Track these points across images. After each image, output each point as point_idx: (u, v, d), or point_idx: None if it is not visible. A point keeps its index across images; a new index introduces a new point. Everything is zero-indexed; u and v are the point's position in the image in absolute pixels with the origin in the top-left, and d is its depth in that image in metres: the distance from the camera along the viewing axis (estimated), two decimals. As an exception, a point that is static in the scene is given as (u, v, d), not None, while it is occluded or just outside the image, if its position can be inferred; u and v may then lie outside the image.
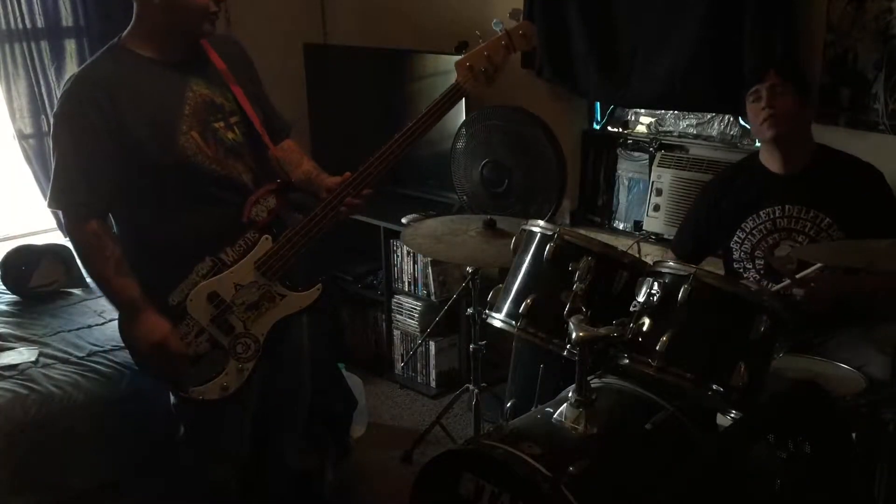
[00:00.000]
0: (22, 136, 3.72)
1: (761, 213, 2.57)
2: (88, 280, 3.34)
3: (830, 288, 2.39)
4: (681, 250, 2.79)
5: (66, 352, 2.78)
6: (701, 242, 2.75)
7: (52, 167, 2.14)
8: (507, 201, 3.36)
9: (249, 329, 2.19)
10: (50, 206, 2.15)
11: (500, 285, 2.17)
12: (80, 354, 2.77)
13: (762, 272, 2.59)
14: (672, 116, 3.57)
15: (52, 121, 2.15)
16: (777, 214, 2.56)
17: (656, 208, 3.40)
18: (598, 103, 3.73)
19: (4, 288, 3.29)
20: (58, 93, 3.74)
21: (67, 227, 2.19)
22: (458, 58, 2.03)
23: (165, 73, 2.14)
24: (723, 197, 2.67)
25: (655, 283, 1.95)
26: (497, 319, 2.12)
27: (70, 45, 3.76)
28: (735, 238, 2.62)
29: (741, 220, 2.60)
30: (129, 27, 2.15)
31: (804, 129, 2.56)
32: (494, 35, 2.09)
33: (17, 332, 2.92)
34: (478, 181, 3.38)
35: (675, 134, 3.57)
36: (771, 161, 2.58)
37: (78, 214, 2.12)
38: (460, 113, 3.60)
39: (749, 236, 2.60)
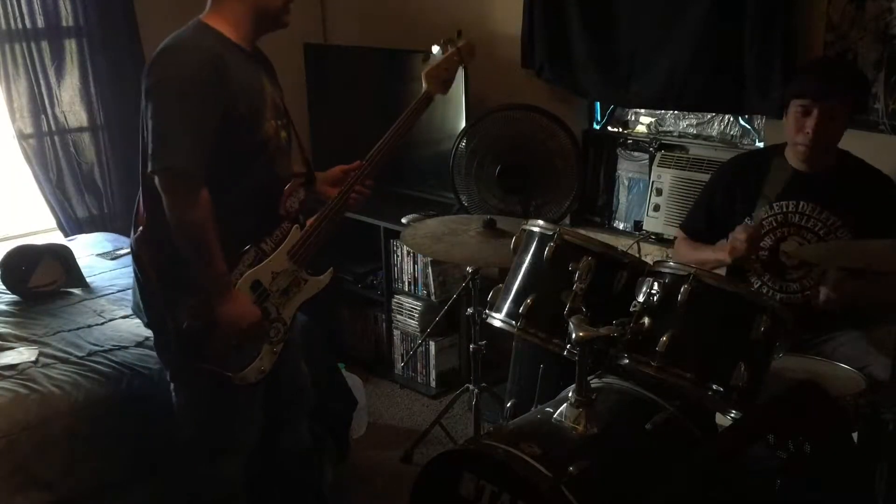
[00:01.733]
0: (22, 136, 3.72)
1: (775, 205, 2.56)
2: (88, 280, 3.34)
3: (851, 294, 2.41)
4: (692, 229, 2.77)
5: (66, 352, 2.78)
6: (713, 222, 2.72)
7: (158, 126, 2.03)
8: (522, 199, 3.37)
9: (281, 313, 2.28)
10: (169, 164, 2.03)
11: (500, 285, 2.17)
12: (80, 354, 2.76)
13: (765, 265, 2.59)
14: (672, 116, 3.57)
15: (160, 80, 2.05)
16: (790, 209, 2.55)
17: (656, 208, 3.40)
18: (598, 103, 3.73)
19: (4, 288, 3.28)
20: (59, 93, 3.77)
21: (178, 191, 2.05)
22: (425, 68, 2.44)
23: (249, 62, 2.18)
24: (739, 179, 2.65)
25: (655, 283, 1.95)
26: (497, 319, 2.12)
27: (70, 45, 3.76)
28: (745, 224, 2.61)
29: (753, 207, 2.59)
30: (208, 11, 2.16)
31: (836, 141, 2.53)
32: (448, 52, 2.48)
33: (17, 332, 2.92)
34: (494, 182, 3.38)
35: (675, 134, 3.57)
36: (795, 160, 2.57)
37: (196, 177, 2.05)
38: (460, 114, 3.60)
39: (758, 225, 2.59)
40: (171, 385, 2.35)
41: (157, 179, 2.07)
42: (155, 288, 2.21)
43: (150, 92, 2.08)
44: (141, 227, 2.20)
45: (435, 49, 2.46)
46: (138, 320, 2.45)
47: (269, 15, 2.19)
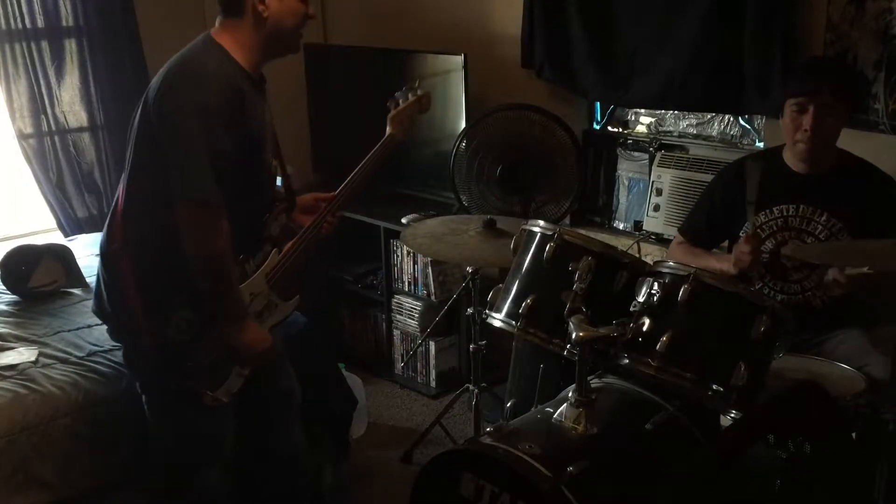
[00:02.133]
0: (22, 136, 3.72)
1: (775, 209, 2.56)
2: (88, 280, 3.34)
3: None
4: (692, 233, 2.75)
5: (66, 352, 2.78)
6: (714, 226, 2.71)
7: (181, 157, 2.01)
8: (522, 199, 3.37)
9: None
10: (197, 196, 2.01)
11: (500, 285, 2.17)
12: (80, 354, 2.76)
13: (767, 268, 2.58)
14: (672, 116, 3.57)
15: (178, 110, 2.02)
16: (790, 213, 2.55)
17: (656, 208, 3.40)
18: (598, 103, 3.73)
19: (4, 288, 3.28)
20: (59, 93, 3.77)
21: (204, 222, 2.03)
22: (391, 113, 2.58)
23: (256, 90, 2.16)
24: (739, 183, 2.61)
25: (655, 283, 1.95)
26: (497, 319, 2.12)
27: (70, 45, 3.76)
28: (744, 229, 2.60)
29: (754, 211, 2.58)
30: (221, 27, 2.12)
31: (835, 139, 2.53)
32: (409, 99, 2.61)
33: (17, 332, 2.92)
34: (495, 182, 3.38)
35: (675, 134, 3.57)
36: (794, 161, 2.57)
37: (220, 211, 2.03)
38: (460, 114, 3.60)
39: (758, 230, 2.58)
40: (143, 397, 2.33)
41: (182, 211, 2.03)
42: (133, 299, 2.15)
43: (171, 118, 2.03)
44: (117, 244, 2.16)
45: (399, 94, 2.61)
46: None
47: (282, 39, 2.16)
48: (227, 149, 2.04)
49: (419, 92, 2.61)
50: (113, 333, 2.36)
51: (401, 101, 2.57)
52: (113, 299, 2.21)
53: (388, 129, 2.53)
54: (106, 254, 2.21)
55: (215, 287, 2.10)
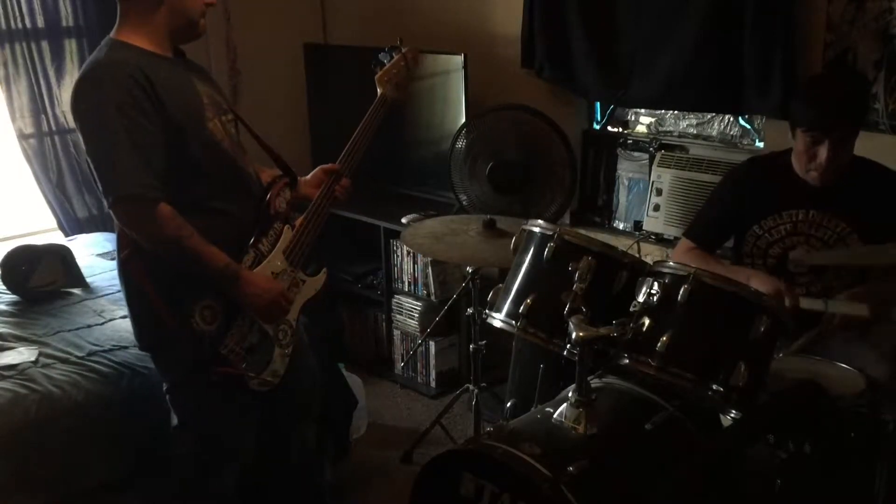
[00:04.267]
0: (22, 136, 3.72)
1: (784, 213, 2.52)
2: (88, 280, 3.34)
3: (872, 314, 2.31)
4: (701, 236, 2.68)
5: (66, 352, 2.78)
6: (721, 228, 2.67)
7: (98, 158, 2.01)
8: (515, 199, 3.36)
9: (286, 315, 2.29)
10: (120, 193, 1.99)
11: (500, 285, 2.17)
12: (80, 354, 2.76)
13: (772, 271, 2.57)
14: (672, 116, 3.57)
15: (88, 110, 2.02)
16: (800, 218, 2.51)
17: (656, 208, 3.40)
18: (598, 103, 3.73)
19: (4, 288, 3.28)
20: (59, 93, 3.77)
21: (138, 218, 2.03)
22: (377, 74, 2.57)
23: (174, 67, 2.15)
24: (747, 186, 2.60)
25: (655, 283, 1.94)
26: (497, 319, 2.12)
27: (70, 45, 3.76)
28: (752, 231, 2.58)
29: (763, 215, 2.55)
30: (119, 26, 2.15)
31: (848, 158, 2.44)
32: (394, 57, 2.61)
33: (17, 332, 2.92)
34: (485, 181, 3.38)
35: (675, 134, 3.57)
36: (803, 174, 2.49)
37: (150, 198, 2.00)
38: (460, 114, 3.60)
39: (766, 234, 2.55)
40: (169, 398, 2.31)
41: (114, 211, 2.04)
42: (157, 303, 2.13)
43: (81, 124, 2.04)
44: (126, 250, 2.14)
45: (382, 56, 2.60)
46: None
47: (185, 21, 2.15)
48: (153, 135, 2.02)
49: (403, 49, 2.59)
50: (147, 346, 2.31)
51: (385, 62, 2.57)
52: (143, 313, 2.19)
53: (378, 90, 2.53)
54: (120, 264, 2.19)
55: (188, 264, 2.08)
